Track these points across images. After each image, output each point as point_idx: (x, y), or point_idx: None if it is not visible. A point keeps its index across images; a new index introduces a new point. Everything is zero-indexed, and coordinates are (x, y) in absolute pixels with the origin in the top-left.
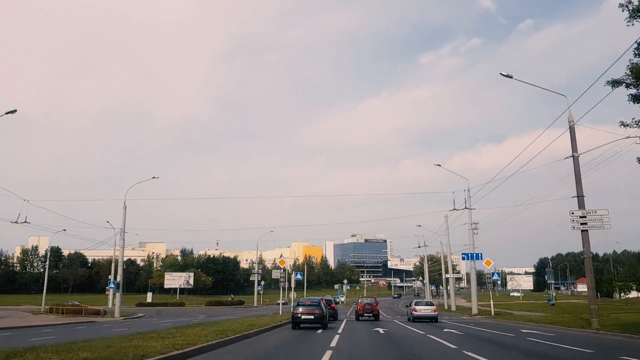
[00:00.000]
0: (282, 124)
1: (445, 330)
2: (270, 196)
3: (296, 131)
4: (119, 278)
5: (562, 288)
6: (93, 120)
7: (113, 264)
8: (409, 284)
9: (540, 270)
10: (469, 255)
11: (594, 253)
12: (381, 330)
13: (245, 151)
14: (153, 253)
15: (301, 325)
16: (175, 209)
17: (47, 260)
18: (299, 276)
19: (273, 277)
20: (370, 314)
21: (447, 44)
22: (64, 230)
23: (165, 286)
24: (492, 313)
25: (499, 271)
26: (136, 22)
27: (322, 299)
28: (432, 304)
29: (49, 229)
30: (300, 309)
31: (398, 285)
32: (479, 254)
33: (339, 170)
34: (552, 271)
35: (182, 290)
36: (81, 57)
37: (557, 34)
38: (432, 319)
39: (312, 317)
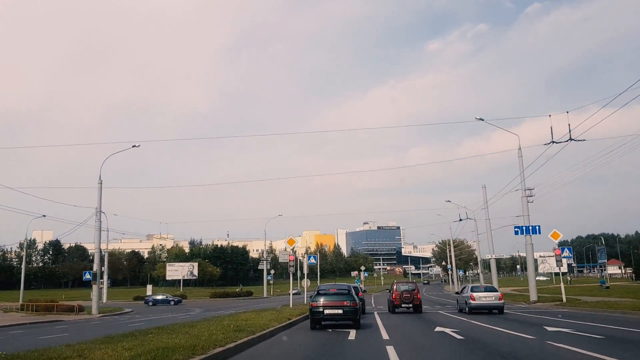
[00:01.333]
0: (290, 115)
1: (549, 329)
2: (280, 186)
3: (304, 121)
4: (95, 267)
5: (585, 271)
6: (99, 116)
7: (97, 254)
8: (425, 271)
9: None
10: (523, 228)
11: (619, 234)
12: (451, 333)
13: (253, 143)
14: (160, 245)
15: (323, 323)
16: (184, 202)
17: (24, 250)
18: (312, 260)
19: (280, 260)
20: (410, 305)
21: (454, 30)
22: (44, 216)
23: (168, 277)
24: (564, 299)
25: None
26: (140, 16)
27: (350, 286)
28: (494, 289)
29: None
30: (322, 300)
31: (414, 272)
32: (536, 227)
33: (348, 159)
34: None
35: (188, 282)
36: (85, 52)
37: (564, 17)
38: (496, 310)
39: (340, 311)
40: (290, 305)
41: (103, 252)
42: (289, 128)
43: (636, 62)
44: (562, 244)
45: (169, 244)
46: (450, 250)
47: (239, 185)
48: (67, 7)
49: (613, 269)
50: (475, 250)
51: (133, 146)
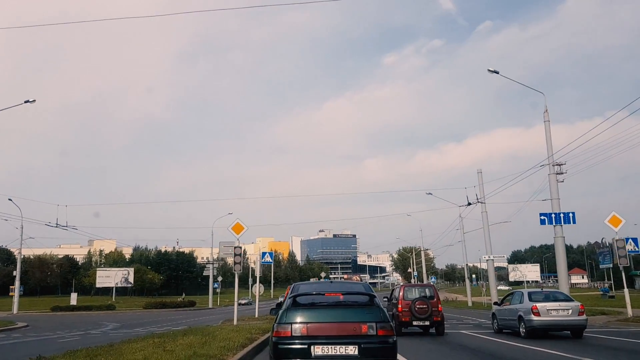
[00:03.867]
0: (247, 124)
1: None
2: (234, 197)
3: (261, 130)
4: None
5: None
6: (50, 120)
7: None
8: (381, 280)
9: (514, 263)
10: (552, 216)
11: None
12: None
13: (209, 151)
14: (99, 250)
15: None
16: (134, 209)
17: None
18: (267, 258)
19: (222, 254)
20: (426, 321)
21: (409, 45)
22: None
23: (98, 285)
24: (630, 312)
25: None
26: (96, 19)
27: (370, 288)
28: (570, 298)
29: None
30: (308, 323)
31: (371, 282)
32: (569, 214)
33: (304, 169)
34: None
35: (125, 290)
36: (37, 54)
37: (514, 35)
38: (574, 331)
39: (352, 351)
40: (235, 322)
41: (15, 256)
42: (246, 136)
43: (581, 78)
44: (515, 255)
45: (110, 248)
46: (418, 255)
47: (192, 193)
48: (18, 12)
49: (577, 279)
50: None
51: (26, 101)
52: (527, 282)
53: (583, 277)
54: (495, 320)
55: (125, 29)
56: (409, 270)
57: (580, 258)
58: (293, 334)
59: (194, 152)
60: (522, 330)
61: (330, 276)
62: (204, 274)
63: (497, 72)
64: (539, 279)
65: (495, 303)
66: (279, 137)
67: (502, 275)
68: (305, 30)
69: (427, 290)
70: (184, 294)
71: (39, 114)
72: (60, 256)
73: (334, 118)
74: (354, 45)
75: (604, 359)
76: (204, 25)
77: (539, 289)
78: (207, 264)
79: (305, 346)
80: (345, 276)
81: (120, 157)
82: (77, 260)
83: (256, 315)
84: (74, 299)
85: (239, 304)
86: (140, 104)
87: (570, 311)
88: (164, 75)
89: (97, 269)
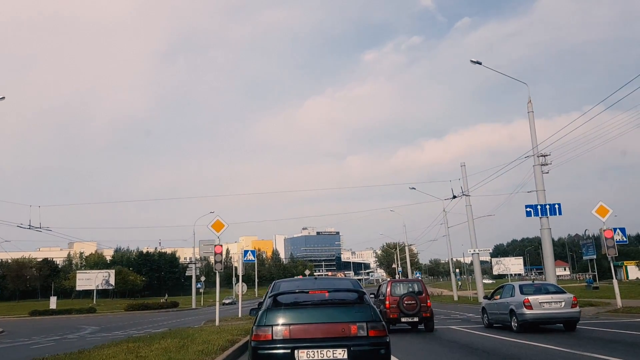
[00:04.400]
0: (227, 122)
1: None
2: (215, 195)
3: (242, 129)
4: None
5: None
6: (28, 122)
7: None
8: (365, 277)
9: (497, 256)
10: (538, 208)
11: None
12: None
13: (189, 151)
14: (79, 252)
15: None
16: (115, 210)
17: None
18: (249, 256)
19: (202, 253)
20: (415, 317)
21: (389, 42)
22: None
23: (78, 287)
24: (620, 304)
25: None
26: (71, 19)
27: (358, 284)
28: (561, 290)
29: None
30: (292, 324)
31: (356, 278)
32: (555, 205)
33: (286, 167)
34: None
35: (107, 293)
36: (12, 53)
37: (492, 31)
38: (567, 323)
39: (340, 354)
40: (217, 323)
41: None
42: (227, 134)
43: (557, 74)
44: (498, 248)
45: (90, 250)
46: (402, 251)
47: (174, 192)
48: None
49: (559, 271)
50: (418, 253)
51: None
52: (511, 275)
53: (565, 269)
54: (485, 315)
55: (104, 28)
56: (393, 266)
57: (561, 250)
58: (274, 338)
59: (174, 151)
60: (514, 324)
61: (315, 274)
62: (186, 274)
63: (479, 63)
64: (522, 272)
65: (485, 297)
66: (259, 136)
67: (485, 269)
68: (284, 28)
69: (415, 285)
70: (166, 295)
71: (16, 113)
72: (39, 259)
73: (315, 115)
74: (334, 42)
75: (605, 352)
76: (184, 24)
77: (530, 282)
78: (189, 264)
79: (288, 351)
80: (330, 273)
81: (100, 157)
82: (57, 263)
83: (239, 315)
84: (53, 302)
85: (223, 304)
86: (119, 104)
87: (563, 303)
88: (143, 74)
89: (77, 271)
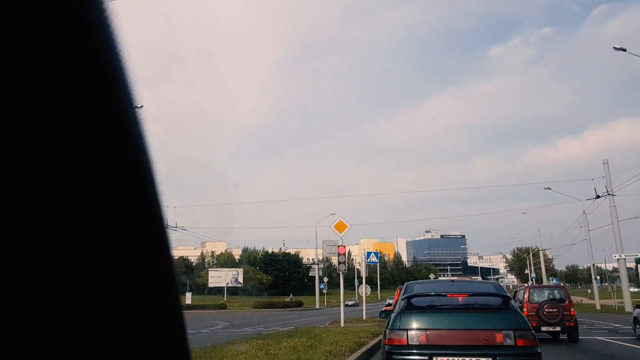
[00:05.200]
0: (347, 125)
1: None
2: (338, 196)
3: (363, 131)
4: None
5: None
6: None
7: None
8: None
9: None
10: None
11: None
12: None
13: (311, 154)
14: (210, 251)
15: None
16: (244, 212)
17: None
18: (372, 257)
19: (325, 254)
20: (557, 326)
21: (516, 35)
22: None
23: (210, 285)
24: None
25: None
26: (208, 29)
27: (501, 289)
28: None
29: None
30: (429, 330)
31: None
32: None
33: (408, 168)
34: None
35: (236, 290)
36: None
37: (634, 19)
38: None
39: None
40: (342, 324)
41: None
42: (347, 138)
43: None
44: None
45: (220, 249)
46: (535, 256)
47: (296, 195)
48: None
49: None
50: (552, 259)
51: None
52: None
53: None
54: (638, 326)
55: (226, 35)
56: (526, 272)
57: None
58: (410, 343)
59: (295, 156)
60: None
61: (440, 278)
62: (309, 275)
63: (624, 50)
64: None
65: (638, 306)
66: (380, 138)
67: (630, 275)
68: (403, 28)
69: (556, 292)
70: (291, 295)
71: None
72: (176, 258)
73: (436, 115)
74: (455, 39)
75: None
76: (304, 31)
77: None
78: (312, 264)
79: (426, 357)
80: (456, 278)
81: (232, 161)
82: (191, 261)
83: (364, 317)
84: (189, 298)
85: (346, 305)
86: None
87: None
88: (266, 82)
89: (210, 269)
